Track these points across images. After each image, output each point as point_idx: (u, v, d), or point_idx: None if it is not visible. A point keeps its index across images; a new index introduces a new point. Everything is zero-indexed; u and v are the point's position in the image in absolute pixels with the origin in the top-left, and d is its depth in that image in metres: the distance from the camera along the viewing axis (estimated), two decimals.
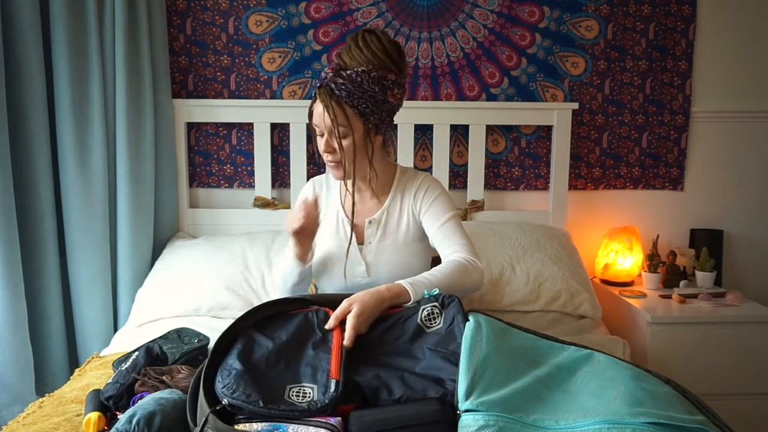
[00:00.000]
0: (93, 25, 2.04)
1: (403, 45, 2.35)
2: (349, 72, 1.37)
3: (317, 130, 1.45)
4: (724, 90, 2.45)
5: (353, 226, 1.51)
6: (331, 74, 1.38)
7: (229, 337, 1.20)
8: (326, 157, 1.45)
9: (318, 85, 1.40)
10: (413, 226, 1.53)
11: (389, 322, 1.28)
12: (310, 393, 1.07)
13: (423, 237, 1.54)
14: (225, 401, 1.03)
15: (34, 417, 1.28)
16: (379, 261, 1.50)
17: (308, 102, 2.31)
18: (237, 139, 2.39)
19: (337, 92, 1.37)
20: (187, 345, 1.49)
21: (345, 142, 1.41)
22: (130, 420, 1.04)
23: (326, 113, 1.38)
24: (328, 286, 1.55)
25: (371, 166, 1.46)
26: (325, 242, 1.56)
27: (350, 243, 1.50)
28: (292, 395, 1.07)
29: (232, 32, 2.34)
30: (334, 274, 1.52)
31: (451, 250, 1.45)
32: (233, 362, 1.12)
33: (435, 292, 1.30)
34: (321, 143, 1.45)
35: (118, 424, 1.05)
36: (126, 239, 2.15)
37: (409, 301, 1.29)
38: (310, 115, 1.45)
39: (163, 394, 1.13)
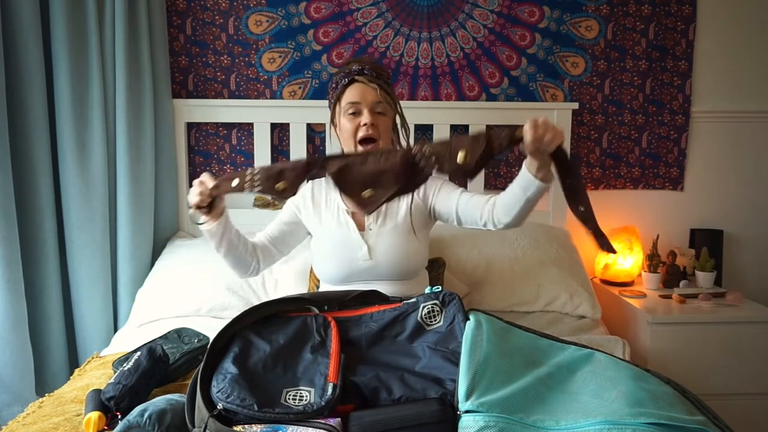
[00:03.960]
0: (93, 25, 2.04)
1: (403, 45, 2.36)
2: (383, 72, 1.61)
3: (352, 108, 1.58)
4: (724, 90, 2.45)
5: (353, 215, 1.63)
6: (368, 67, 1.58)
7: (225, 338, 1.20)
8: (365, 132, 1.57)
9: (356, 73, 1.58)
10: (414, 213, 1.62)
11: (389, 319, 1.27)
12: (306, 396, 1.07)
13: (420, 226, 1.64)
14: (220, 406, 1.04)
15: (34, 417, 1.28)
16: (379, 244, 1.59)
17: (308, 102, 2.33)
18: (237, 139, 2.39)
19: (379, 79, 1.58)
20: (187, 345, 1.49)
21: (384, 119, 1.60)
22: (142, 413, 1.07)
23: (376, 90, 1.57)
24: (330, 269, 1.62)
25: None
26: (327, 231, 1.65)
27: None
28: (289, 398, 1.07)
29: (232, 32, 2.34)
30: (336, 258, 1.61)
31: (486, 198, 1.53)
32: (228, 366, 1.12)
33: (436, 289, 1.30)
34: (359, 119, 1.57)
35: (130, 416, 1.08)
36: (126, 239, 2.15)
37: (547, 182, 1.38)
38: (342, 93, 1.59)
39: (174, 396, 1.16)
